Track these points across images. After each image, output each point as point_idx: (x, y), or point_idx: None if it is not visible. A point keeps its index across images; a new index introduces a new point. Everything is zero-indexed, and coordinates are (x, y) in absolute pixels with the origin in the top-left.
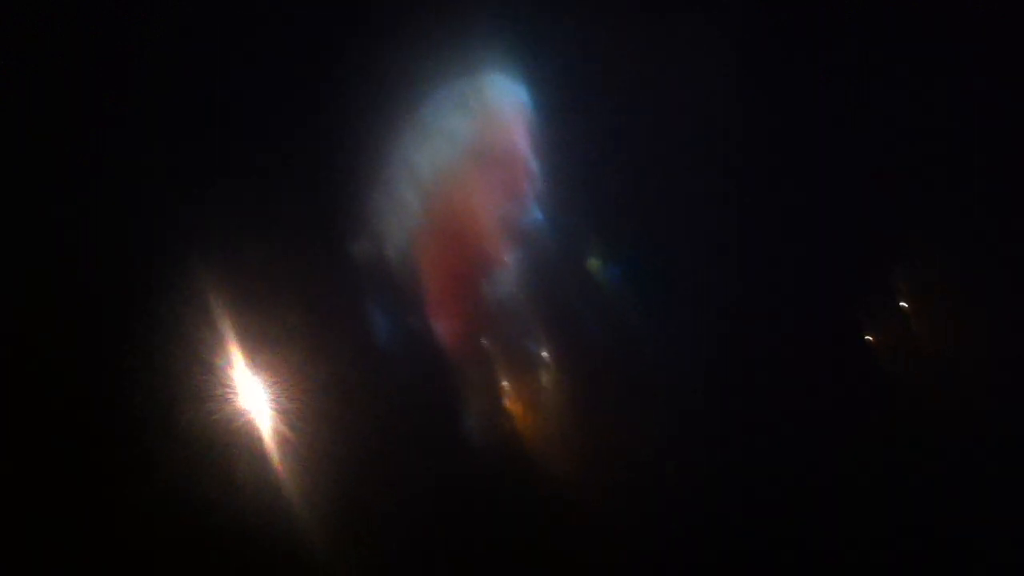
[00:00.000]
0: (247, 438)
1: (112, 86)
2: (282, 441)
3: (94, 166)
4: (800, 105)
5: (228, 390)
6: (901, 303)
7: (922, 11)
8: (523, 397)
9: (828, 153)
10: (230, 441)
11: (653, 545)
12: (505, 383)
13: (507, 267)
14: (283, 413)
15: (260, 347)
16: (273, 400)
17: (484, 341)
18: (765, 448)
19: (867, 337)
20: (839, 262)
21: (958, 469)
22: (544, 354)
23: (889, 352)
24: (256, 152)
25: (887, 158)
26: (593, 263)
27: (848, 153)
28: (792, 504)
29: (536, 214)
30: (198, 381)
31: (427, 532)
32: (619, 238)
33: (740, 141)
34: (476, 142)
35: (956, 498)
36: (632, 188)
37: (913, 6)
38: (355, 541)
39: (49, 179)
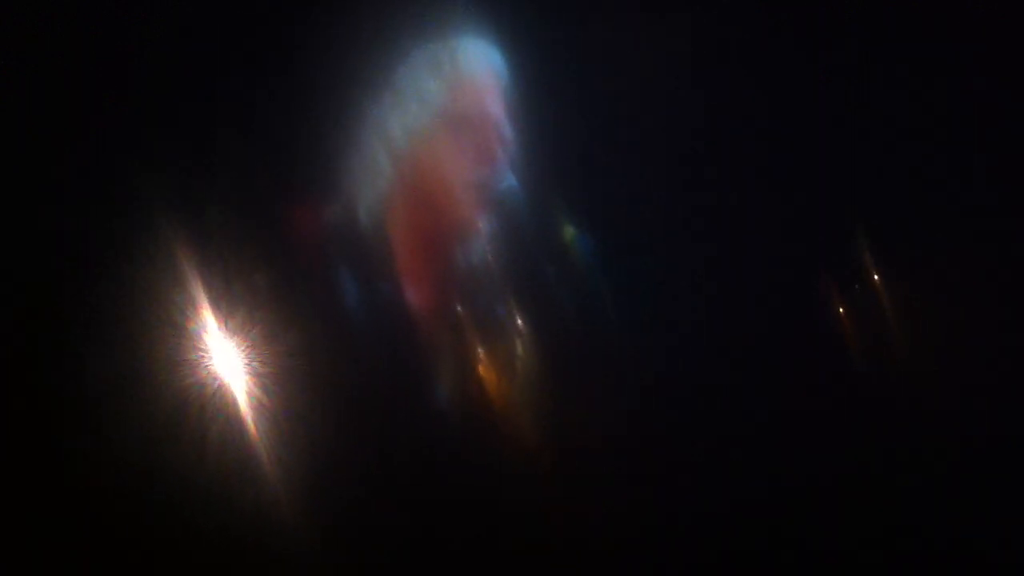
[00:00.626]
0: (221, 402)
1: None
2: (257, 405)
3: (55, 127)
4: (784, 77)
5: (201, 354)
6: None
7: (922, 10)
8: (495, 363)
9: (810, 128)
10: (203, 405)
11: (626, 513)
12: (477, 349)
13: (480, 233)
14: (257, 377)
15: (232, 311)
16: (247, 364)
17: (456, 307)
18: (739, 414)
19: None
20: (813, 231)
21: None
22: (516, 321)
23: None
24: (223, 113)
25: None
26: (567, 231)
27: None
28: (761, 463)
29: (510, 181)
30: (170, 345)
31: (399, 495)
32: (593, 207)
33: (722, 112)
34: (450, 107)
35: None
36: (608, 158)
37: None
38: (328, 504)
39: (12, 138)
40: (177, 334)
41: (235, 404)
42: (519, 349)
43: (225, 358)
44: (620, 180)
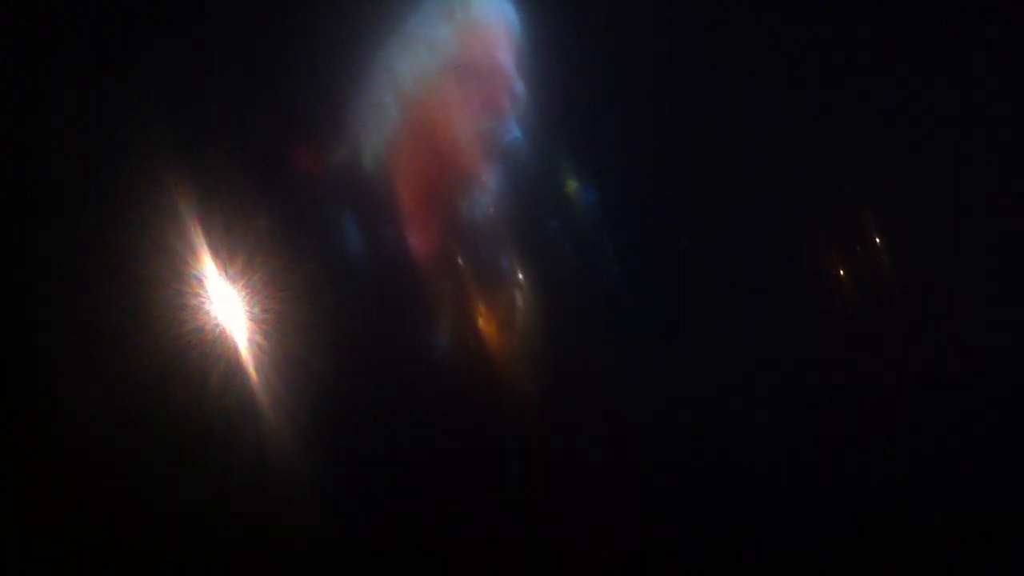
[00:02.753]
0: (221, 348)
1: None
2: (257, 351)
3: (60, 83)
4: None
5: (201, 300)
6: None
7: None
8: (495, 314)
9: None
10: (204, 351)
11: (625, 470)
12: (477, 299)
13: (484, 183)
14: (257, 322)
15: (233, 256)
16: (247, 310)
17: (457, 256)
18: (739, 373)
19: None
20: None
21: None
22: (518, 273)
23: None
24: (225, 52)
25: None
26: (571, 184)
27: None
28: (763, 420)
29: (516, 132)
30: (170, 290)
31: (399, 439)
32: (599, 162)
33: (738, 68)
34: (460, 56)
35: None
36: (616, 114)
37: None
38: (329, 447)
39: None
40: (177, 280)
41: (236, 349)
42: (519, 301)
43: (226, 304)
44: (627, 136)
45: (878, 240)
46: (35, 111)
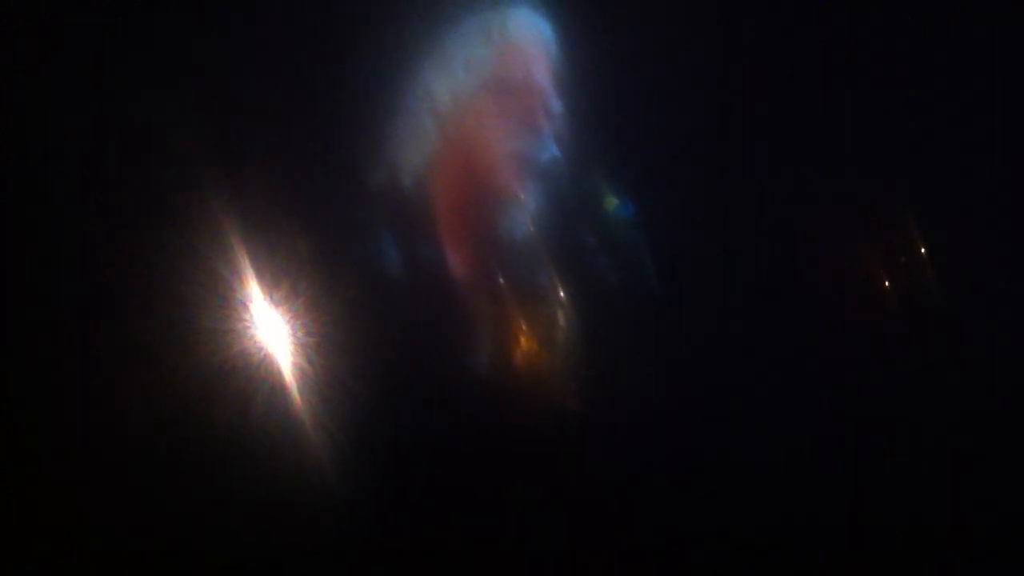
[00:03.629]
0: (266, 372)
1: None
2: (301, 375)
3: (103, 101)
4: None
5: (246, 324)
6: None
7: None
8: (535, 333)
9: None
10: (248, 375)
11: (663, 488)
12: (518, 318)
13: (523, 203)
14: (301, 346)
15: (277, 280)
16: (291, 334)
17: (497, 276)
18: (773, 394)
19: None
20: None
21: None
22: (558, 291)
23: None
24: (269, 78)
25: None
26: (610, 202)
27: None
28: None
29: (554, 150)
30: (215, 315)
31: (440, 469)
32: (636, 179)
33: (771, 86)
34: (497, 75)
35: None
36: (653, 131)
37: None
38: (371, 470)
39: (52, 112)
40: (222, 304)
41: (279, 373)
42: (560, 319)
43: (270, 327)
44: (665, 152)
45: (920, 247)
46: (83, 139)
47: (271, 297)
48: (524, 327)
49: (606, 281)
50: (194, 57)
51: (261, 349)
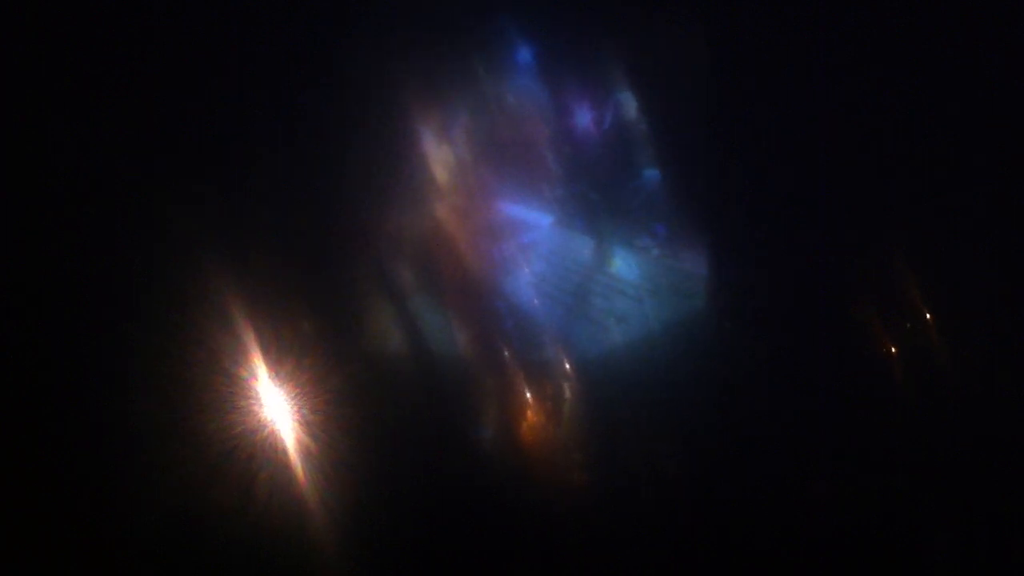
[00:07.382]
0: (270, 449)
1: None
2: (305, 452)
3: (99, 171)
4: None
5: (250, 401)
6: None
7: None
8: (542, 406)
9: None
10: (252, 452)
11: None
12: (523, 392)
13: (526, 273)
14: (305, 424)
15: (281, 358)
16: (295, 411)
17: (502, 348)
18: (783, 470)
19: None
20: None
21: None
22: (564, 364)
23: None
24: (267, 154)
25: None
26: (615, 267)
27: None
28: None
29: (556, 218)
30: (220, 391)
31: (447, 542)
32: (641, 245)
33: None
34: (496, 144)
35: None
36: (655, 195)
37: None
38: (374, 551)
39: (51, 182)
40: (227, 381)
41: (284, 451)
42: (565, 392)
43: (274, 405)
44: (670, 219)
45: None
46: (88, 216)
47: (276, 375)
48: (530, 402)
49: (614, 352)
50: (199, 137)
51: (265, 426)
